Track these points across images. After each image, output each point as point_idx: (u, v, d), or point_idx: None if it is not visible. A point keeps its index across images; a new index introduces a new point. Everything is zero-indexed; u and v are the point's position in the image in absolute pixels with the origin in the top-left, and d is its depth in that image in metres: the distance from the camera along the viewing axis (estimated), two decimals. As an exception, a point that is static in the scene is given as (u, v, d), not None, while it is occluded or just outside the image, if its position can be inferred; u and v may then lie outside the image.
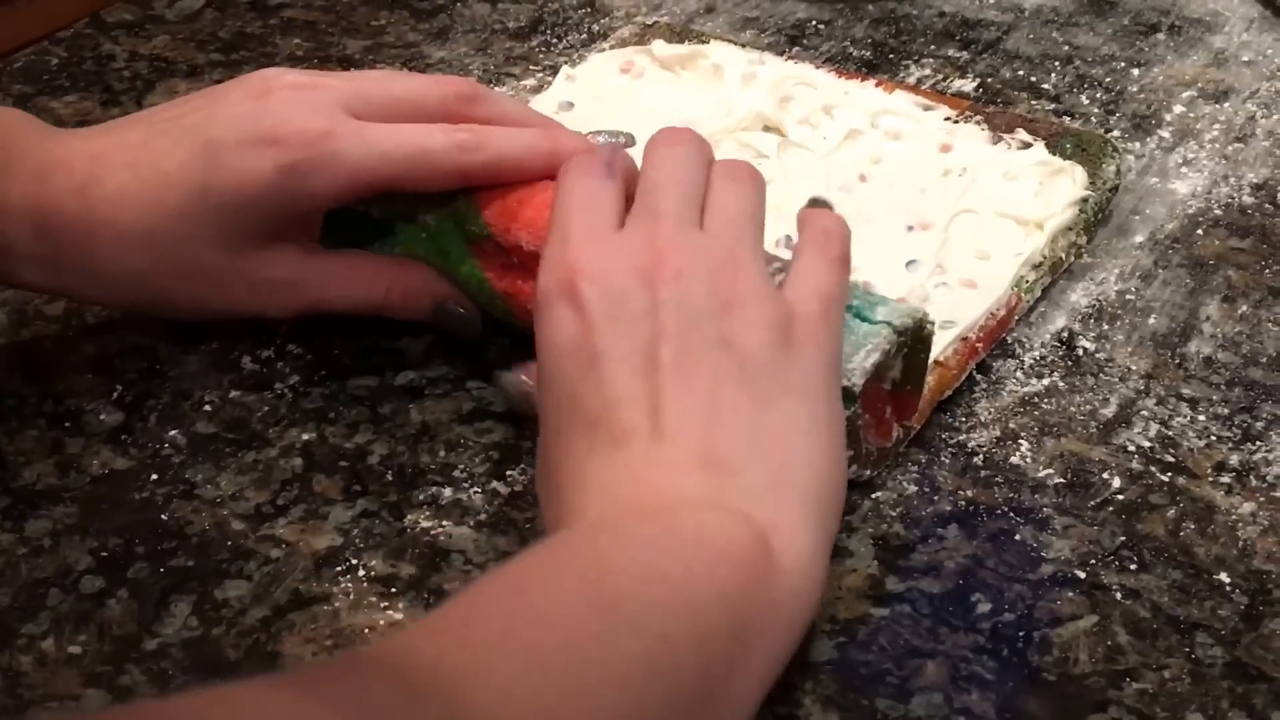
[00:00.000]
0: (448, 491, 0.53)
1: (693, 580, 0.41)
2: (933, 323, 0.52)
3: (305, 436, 0.56)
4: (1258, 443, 0.54)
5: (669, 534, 0.43)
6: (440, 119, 0.55)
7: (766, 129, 0.67)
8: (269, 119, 0.53)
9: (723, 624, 0.41)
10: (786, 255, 0.51)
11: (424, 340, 0.60)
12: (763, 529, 0.43)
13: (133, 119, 0.58)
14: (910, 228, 0.62)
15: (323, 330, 0.60)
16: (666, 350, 0.46)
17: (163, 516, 0.53)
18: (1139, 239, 0.64)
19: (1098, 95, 0.73)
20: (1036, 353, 0.58)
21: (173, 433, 0.56)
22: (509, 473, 0.54)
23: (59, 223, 0.54)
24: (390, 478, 0.54)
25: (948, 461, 0.54)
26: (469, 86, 0.57)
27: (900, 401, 0.53)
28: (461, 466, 0.54)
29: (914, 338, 0.51)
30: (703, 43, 0.72)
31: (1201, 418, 0.55)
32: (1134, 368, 0.57)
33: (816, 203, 0.53)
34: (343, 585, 0.50)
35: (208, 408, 0.57)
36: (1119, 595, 0.48)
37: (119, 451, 0.55)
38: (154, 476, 0.54)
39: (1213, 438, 0.54)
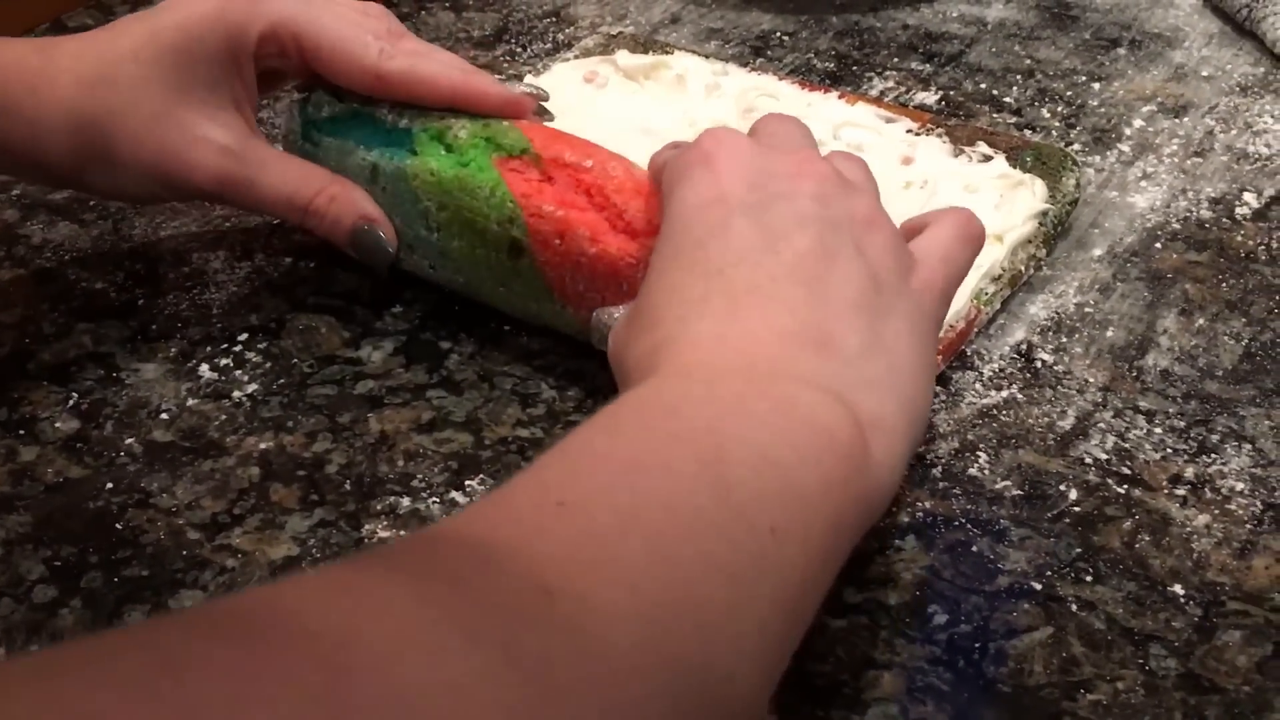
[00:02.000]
0: (406, 501, 0.53)
1: (803, 468, 0.41)
2: None
3: (263, 445, 0.55)
4: (1213, 455, 0.54)
5: (781, 413, 0.43)
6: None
7: (729, 140, 0.67)
8: None
9: (825, 516, 0.41)
10: None
11: (384, 349, 0.59)
12: (864, 421, 0.43)
13: None
14: (871, 239, 0.62)
15: (281, 339, 0.60)
16: (802, 237, 0.47)
17: (117, 525, 0.52)
18: (1098, 252, 0.64)
19: (1059, 109, 0.73)
20: (995, 365, 0.58)
21: (129, 441, 0.56)
22: (468, 483, 0.54)
23: (17, 73, 0.57)
24: (348, 487, 0.54)
25: (906, 472, 0.54)
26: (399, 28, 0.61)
27: None
28: (420, 476, 0.54)
29: None
30: (667, 53, 0.72)
31: (1158, 430, 0.55)
32: (1092, 380, 0.57)
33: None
34: (299, 595, 0.50)
35: (164, 416, 0.57)
36: (1074, 607, 0.49)
37: (74, 460, 0.55)
38: (109, 485, 0.54)
39: (1169, 450, 0.54)
